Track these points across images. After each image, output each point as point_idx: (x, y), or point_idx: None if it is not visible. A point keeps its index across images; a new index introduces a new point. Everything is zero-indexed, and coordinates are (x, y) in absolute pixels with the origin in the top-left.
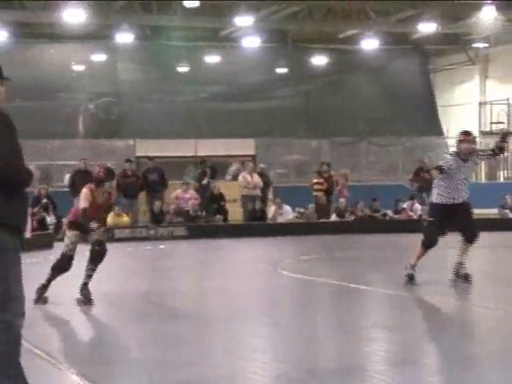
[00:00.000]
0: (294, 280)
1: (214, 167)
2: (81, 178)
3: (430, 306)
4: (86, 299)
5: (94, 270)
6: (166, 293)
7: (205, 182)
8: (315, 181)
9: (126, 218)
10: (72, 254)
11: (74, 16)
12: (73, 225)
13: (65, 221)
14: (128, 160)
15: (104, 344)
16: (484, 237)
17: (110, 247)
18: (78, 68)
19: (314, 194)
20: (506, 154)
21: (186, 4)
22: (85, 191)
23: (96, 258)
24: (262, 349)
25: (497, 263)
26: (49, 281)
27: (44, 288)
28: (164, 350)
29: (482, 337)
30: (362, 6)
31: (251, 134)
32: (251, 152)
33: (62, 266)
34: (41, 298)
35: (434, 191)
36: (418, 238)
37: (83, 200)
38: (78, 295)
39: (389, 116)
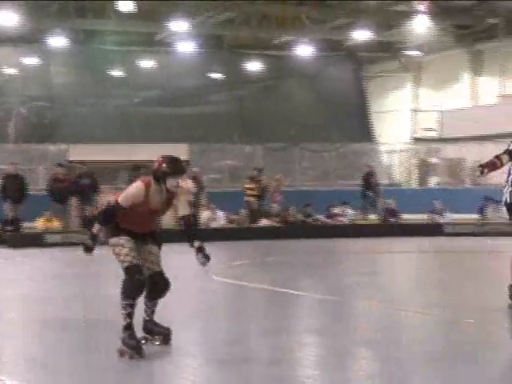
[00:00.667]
0: (225, 285)
1: (148, 172)
2: (11, 182)
3: (361, 310)
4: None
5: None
6: (93, 299)
7: None
8: (247, 186)
9: (56, 223)
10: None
11: (7, 19)
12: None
13: None
14: (60, 164)
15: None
16: (414, 242)
17: (41, 252)
18: (10, 71)
19: (246, 199)
20: (434, 161)
21: (121, 8)
22: (138, 186)
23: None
24: (192, 354)
25: (427, 268)
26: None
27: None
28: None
29: (409, 341)
30: (297, 12)
31: (185, 139)
32: (185, 157)
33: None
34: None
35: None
36: (349, 243)
37: (128, 196)
38: None
39: (322, 122)
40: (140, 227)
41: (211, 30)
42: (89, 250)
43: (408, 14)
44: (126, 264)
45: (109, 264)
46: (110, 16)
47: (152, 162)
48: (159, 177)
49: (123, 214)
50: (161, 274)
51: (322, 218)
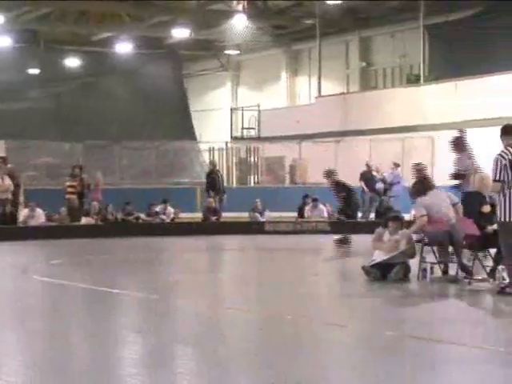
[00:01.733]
0: (43, 284)
1: None
2: None
3: (182, 309)
4: None
5: None
6: None
7: None
8: (68, 183)
9: None
10: None
11: None
12: None
13: None
14: None
15: None
16: (234, 240)
17: None
18: None
19: (67, 196)
20: (254, 159)
21: None
22: None
23: None
24: (10, 354)
25: (248, 265)
26: None
27: None
28: None
29: (234, 338)
30: (116, 9)
31: (1, 135)
32: (1, 154)
33: None
34: None
35: None
36: (170, 241)
37: None
38: None
39: (142, 120)
40: None
41: (27, 25)
42: None
43: (226, 13)
44: None
45: None
46: None
47: None
48: None
49: None
50: None
51: (142, 216)
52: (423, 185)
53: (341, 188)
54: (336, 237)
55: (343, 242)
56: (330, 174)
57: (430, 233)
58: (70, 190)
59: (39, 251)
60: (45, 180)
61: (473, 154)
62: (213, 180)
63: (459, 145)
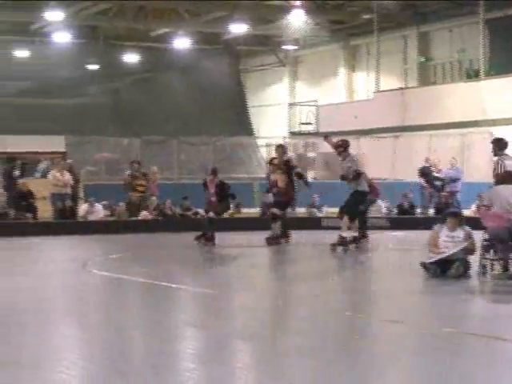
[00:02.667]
0: (102, 278)
1: (24, 164)
2: None
3: (240, 304)
4: None
5: None
6: None
7: (16, 174)
8: (138, 182)
9: None
10: None
11: None
12: None
13: None
14: None
15: None
16: (293, 235)
17: None
18: None
19: (131, 193)
20: (311, 155)
21: None
22: None
23: None
24: (69, 348)
25: (305, 261)
26: None
27: None
28: None
29: (291, 333)
30: (174, 5)
31: (61, 130)
32: (61, 149)
33: None
34: None
35: None
36: (227, 236)
37: None
38: None
39: (200, 115)
40: None
41: (87, 21)
42: None
43: (284, 9)
44: None
45: None
46: None
47: (28, 153)
48: None
49: None
50: None
51: (200, 211)
52: (510, 176)
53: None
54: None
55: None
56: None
57: (491, 229)
58: (139, 188)
59: (98, 245)
60: (104, 175)
61: None
62: None
63: None
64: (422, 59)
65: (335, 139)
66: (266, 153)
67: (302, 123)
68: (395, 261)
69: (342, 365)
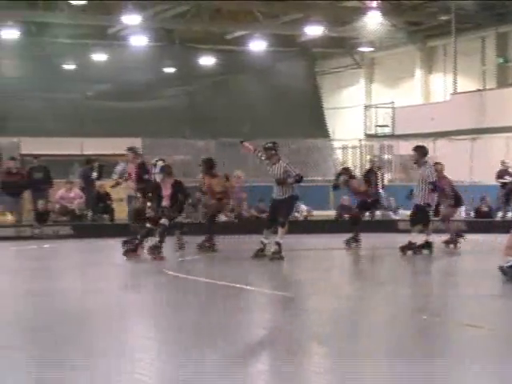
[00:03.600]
0: (178, 280)
1: (102, 166)
2: None
3: (314, 307)
4: None
5: None
6: (48, 293)
7: (94, 176)
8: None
9: (9, 217)
10: None
11: None
12: None
13: None
14: (12, 158)
15: None
16: (367, 238)
17: None
18: None
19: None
20: (387, 157)
21: (73, 1)
22: None
23: None
24: (145, 349)
25: (380, 264)
26: None
27: None
28: (44, 350)
29: (366, 337)
30: (250, 7)
31: (138, 133)
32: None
33: None
34: None
35: None
36: (303, 239)
37: None
38: None
39: (275, 118)
40: None
41: (163, 24)
42: None
43: (360, 10)
44: None
45: (62, 259)
46: (62, 8)
47: (105, 155)
48: None
49: None
50: None
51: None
52: None
53: None
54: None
55: (352, 241)
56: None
57: None
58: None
59: (172, 247)
60: (179, 177)
61: None
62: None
63: None
64: (501, 60)
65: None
66: (341, 155)
67: (378, 125)
68: (473, 265)
69: (418, 368)
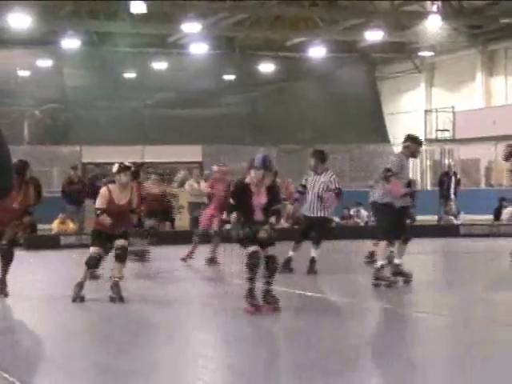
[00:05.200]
0: (238, 287)
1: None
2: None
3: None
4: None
5: None
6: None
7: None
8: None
9: (72, 225)
10: None
11: (20, 21)
12: None
13: None
14: (74, 167)
15: (48, 351)
16: (429, 243)
17: (57, 254)
18: (24, 73)
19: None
20: (450, 162)
21: (133, 10)
22: None
23: None
24: (207, 356)
25: (443, 269)
26: None
27: None
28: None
29: (426, 342)
30: (310, 13)
31: (198, 140)
32: (198, 159)
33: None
34: None
35: None
36: (365, 245)
37: None
38: None
39: (336, 123)
40: None
41: (223, 32)
42: None
43: (420, 15)
44: None
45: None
46: (123, 18)
47: (166, 163)
48: None
49: None
50: None
51: (336, 219)
52: None
53: None
54: None
55: None
56: None
57: None
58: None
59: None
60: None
61: None
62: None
63: None
64: None
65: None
66: None
67: (439, 130)
68: None
69: (471, 373)
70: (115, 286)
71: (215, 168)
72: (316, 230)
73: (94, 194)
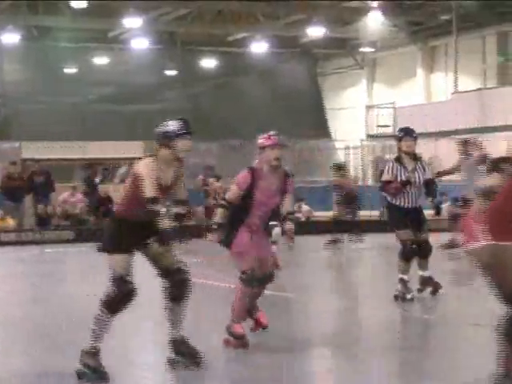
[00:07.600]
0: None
1: (105, 170)
2: None
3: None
4: None
5: None
6: (64, 297)
7: (97, 182)
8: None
9: (11, 222)
10: None
11: None
12: None
13: None
14: (13, 162)
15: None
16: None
17: None
18: None
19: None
20: (389, 157)
21: (74, 5)
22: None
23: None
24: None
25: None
26: None
27: None
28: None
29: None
30: (252, 9)
31: (140, 136)
32: (140, 154)
33: None
34: None
35: None
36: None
37: None
38: None
39: (278, 119)
40: None
41: (164, 27)
42: None
43: (362, 11)
44: None
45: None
46: (64, 12)
47: (108, 159)
48: None
49: None
50: None
51: None
52: None
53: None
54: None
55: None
56: None
57: None
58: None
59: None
60: (187, 180)
61: None
62: None
63: None
64: (502, 59)
65: None
66: (343, 156)
67: (380, 126)
68: None
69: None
70: None
71: None
72: None
73: (33, 191)
